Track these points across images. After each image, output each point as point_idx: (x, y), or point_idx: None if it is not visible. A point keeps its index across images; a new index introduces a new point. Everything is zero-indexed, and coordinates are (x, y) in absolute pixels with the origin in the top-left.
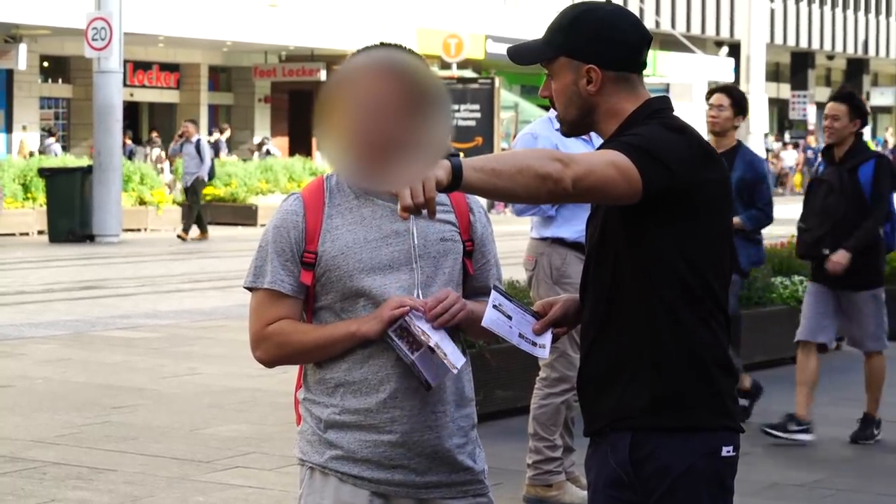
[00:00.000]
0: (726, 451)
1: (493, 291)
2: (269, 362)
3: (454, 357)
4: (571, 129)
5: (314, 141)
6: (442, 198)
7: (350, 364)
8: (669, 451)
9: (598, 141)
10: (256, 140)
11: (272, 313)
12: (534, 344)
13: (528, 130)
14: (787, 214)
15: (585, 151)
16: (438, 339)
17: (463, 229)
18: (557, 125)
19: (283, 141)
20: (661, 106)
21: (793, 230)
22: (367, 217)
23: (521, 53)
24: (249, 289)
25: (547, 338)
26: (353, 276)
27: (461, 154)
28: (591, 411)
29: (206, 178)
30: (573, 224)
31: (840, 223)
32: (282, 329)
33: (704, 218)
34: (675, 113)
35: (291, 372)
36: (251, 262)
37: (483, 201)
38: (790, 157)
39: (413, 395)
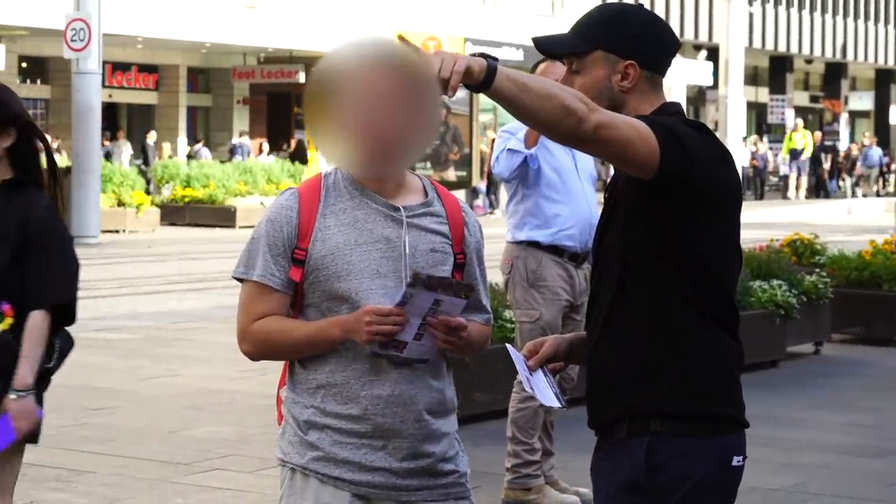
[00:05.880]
0: (737, 460)
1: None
2: (255, 356)
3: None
4: None
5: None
6: (436, 208)
7: (333, 366)
8: (685, 459)
9: (578, 153)
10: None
11: (260, 308)
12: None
13: (507, 128)
14: (764, 218)
15: (566, 157)
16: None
17: (456, 242)
18: None
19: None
20: (677, 110)
21: (771, 234)
22: (360, 220)
23: (555, 44)
24: (239, 280)
25: (552, 385)
26: (340, 277)
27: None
28: (601, 407)
29: None
30: (548, 228)
31: None
32: (268, 325)
33: (716, 218)
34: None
35: (271, 374)
36: (242, 253)
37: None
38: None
39: (395, 402)
